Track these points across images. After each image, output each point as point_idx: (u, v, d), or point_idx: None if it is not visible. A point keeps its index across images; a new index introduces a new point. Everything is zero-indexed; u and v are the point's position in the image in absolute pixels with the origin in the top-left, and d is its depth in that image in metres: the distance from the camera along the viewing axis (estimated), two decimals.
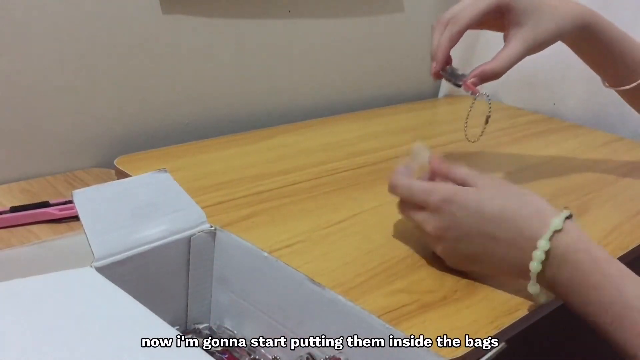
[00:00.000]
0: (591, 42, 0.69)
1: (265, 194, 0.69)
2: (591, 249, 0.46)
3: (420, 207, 0.54)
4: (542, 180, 0.79)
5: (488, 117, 0.66)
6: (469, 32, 0.66)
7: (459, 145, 0.91)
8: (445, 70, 0.67)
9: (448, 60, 0.67)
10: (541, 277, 0.47)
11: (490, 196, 0.51)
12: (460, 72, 0.66)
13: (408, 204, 0.55)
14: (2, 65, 0.70)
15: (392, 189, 0.57)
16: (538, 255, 0.46)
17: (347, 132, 0.93)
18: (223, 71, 0.91)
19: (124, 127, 0.83)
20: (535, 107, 1.15)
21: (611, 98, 1.03)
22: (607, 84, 0.74)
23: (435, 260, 0.56)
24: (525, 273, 0.48)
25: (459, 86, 0.65)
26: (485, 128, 0.66)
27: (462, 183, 0.53)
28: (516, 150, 0.91)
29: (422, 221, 0.53)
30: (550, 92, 1.12)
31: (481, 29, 0.70)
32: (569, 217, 0.47)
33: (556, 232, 0.46)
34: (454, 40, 0.65)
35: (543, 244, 0.46)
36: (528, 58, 1.19)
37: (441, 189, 0.52)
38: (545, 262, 0.46)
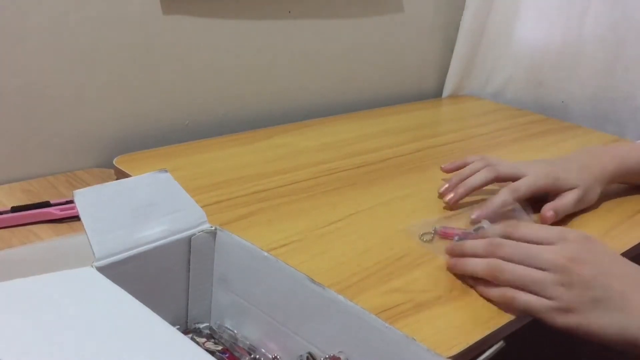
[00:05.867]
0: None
1: (263, 194, 0.69)
2: None
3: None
4: None
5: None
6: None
7: (457, 146, 0.91)
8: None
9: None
10: None
11: None
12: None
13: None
14: (2, 66, 0.70)
15: (512, 229, 0.53)
16: None
17: (346, 133, 0.93)
18: (223, 71, 0.91)
19: (125, 127, 0.83)
20: (543, 104, 1.14)
21: (621, 94, 1.03)
22: None
23: (431, 260, 0.57)
24: None
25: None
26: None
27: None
28: (516, 150, 0.91)
29: (549, 251, 0.48)
30: (559, 90, 1.11)
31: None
32: None
33: None
34: (483, 184, 0.66)
35: None
36: (535, 55, 1.17)
37: (573, 229, 0.51)
38: None
